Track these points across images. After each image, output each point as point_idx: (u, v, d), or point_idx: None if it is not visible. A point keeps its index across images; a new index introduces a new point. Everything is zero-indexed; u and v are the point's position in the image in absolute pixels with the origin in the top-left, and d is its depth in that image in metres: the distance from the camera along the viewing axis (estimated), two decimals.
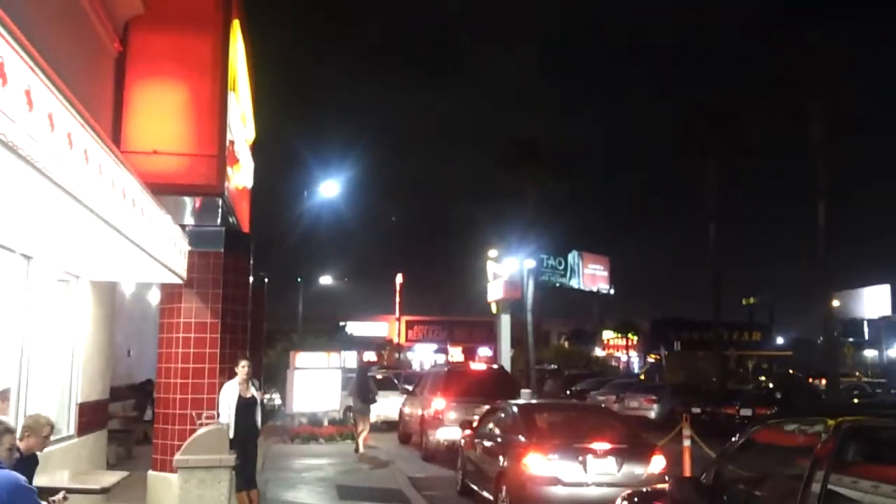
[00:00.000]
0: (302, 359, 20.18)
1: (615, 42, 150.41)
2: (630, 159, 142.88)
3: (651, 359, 63.11)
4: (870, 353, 70.38)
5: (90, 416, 9.45)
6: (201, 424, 8.90)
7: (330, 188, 29.63)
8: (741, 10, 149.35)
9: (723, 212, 38.81)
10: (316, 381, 19.64)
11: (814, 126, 30.78)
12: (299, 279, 36.86)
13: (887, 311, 58.80)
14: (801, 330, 76.95)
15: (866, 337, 69.81)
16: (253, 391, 9.44)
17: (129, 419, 15.81)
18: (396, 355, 62.33)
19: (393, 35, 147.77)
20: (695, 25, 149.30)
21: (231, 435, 8.63)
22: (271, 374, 22.52)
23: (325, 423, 19.72)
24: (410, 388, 21.43)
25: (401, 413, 20.03)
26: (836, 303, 34.92)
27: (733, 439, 5.06)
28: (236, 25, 10.04)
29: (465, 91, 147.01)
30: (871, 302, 58.89)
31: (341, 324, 51.34)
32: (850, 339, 63.15)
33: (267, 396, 20.76)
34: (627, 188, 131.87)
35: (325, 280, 48.01)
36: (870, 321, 64.21)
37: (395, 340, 65.55)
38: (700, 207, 39.51)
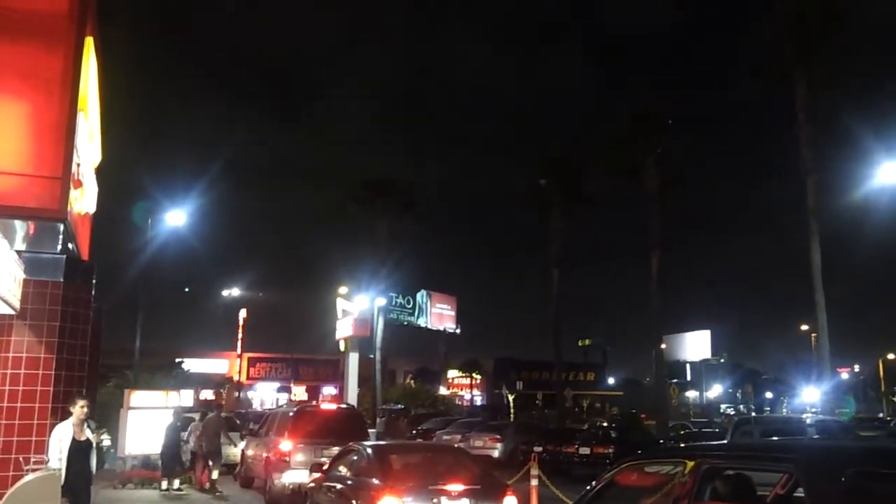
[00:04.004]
0: (138, 398, 18.97)
1: (469, 94, 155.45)
2: (480, 205, 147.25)
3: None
4: (691, 394, 75.67)
5: None
6: (29, 470, 8.09)
7: (175, 218, 28.45)
8: (587, 74, 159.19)
9: (564, 257, 40.79)
10: (152, 422, 18.48)
11: (648, 182, 33.09)
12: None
13: (707, 355, 63.81)
14: (629, 371, 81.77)
15: (688, 378, 75.13)
16: (88, 433, 8.73)
17: None
18: (236, 394, 59.89)
19: (244, 70, 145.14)
20: (543, 84, 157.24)
21: (62, 481, 7.92)
22: (103, 414, 20.98)
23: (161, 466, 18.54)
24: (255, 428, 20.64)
25: (243, 455, 19.21)
26: (662, 346, 37.33)
27: (593, 482, 5.21)
28: (90, 42, 9.45)
29: (321, 130, 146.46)
30: (693, 346, 63.69)
31: (178, 360, 48.71)
32: (674, 381, 67.66)
33: (102, 437, 19.28)
34: (476, 232, 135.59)
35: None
36: (691, 363, 69.33)
37: (236, 378, 63.06)
38: (544, 253, 41.33)
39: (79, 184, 9.67)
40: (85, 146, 9.87)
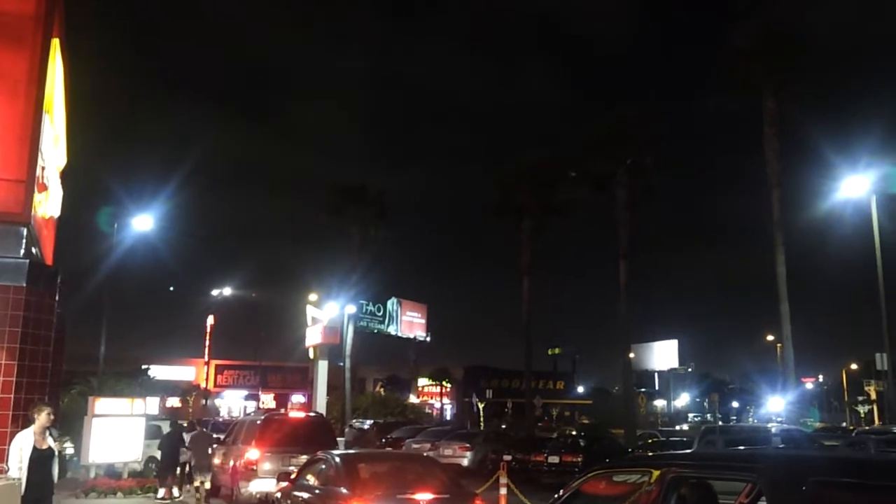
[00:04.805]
0: (102, 405, 18.64)
1: (443, 104, 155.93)
2: (451, 214, 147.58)
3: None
4: (659, 403, 76.31)
5: None
6: None
7: (142, 223, 28.17)
8: (558, 84, 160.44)
9: (535, 266, 40.95)
10: (117, 430, 18.19)
11: (618, 191, 33.35)
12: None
13: (674, 364, 64.36)
14: (598, 380, 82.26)
15: (656, 387, 75.75)
16: (50, 441, 8.56)
17: None
18: (203, 402, 59.18)
19: (215, 75, 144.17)
20: (518, 94, 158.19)
21: (23, 491, 7.75)
22: (66, 421, 20.61)
23: (125, 475, 18.30)
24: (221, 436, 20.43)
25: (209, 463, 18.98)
26: (631, 355, 37.58)
27: (561, 491, 5.22)
28: (56, 45, 9.33)
29: (293, 136, 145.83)
30: (661, 355, 64.20)
31: (144, 367, 48.01)
32: (643, 389, 68.21)
33: (65, 446, 18.98)
34: (448, 240, 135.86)
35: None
36: (659, 373, 69.90)
37: (203, 385, 62.32)
38: (515, 262, 41.45)
39: (43, 187, 9.53)
40: (50, 149, 9.73)
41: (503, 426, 50.44)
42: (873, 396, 66.10)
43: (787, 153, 28.36)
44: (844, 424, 57.39)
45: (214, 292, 55.74)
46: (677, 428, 46.72)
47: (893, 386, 27.54)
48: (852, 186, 24.54)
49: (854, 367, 73.64)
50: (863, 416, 69.17)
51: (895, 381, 27.29)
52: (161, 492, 16.83)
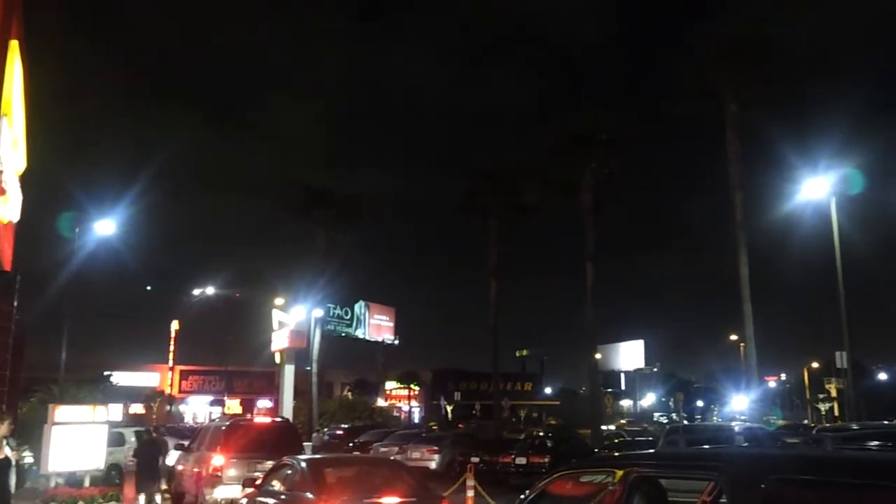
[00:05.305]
0: (63, 412, 18.25)
1: (412, 106, 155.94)
2: (418, 216, 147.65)
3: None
4: (626, 403, 77.04)
5: None
6: None
7: (104, 227, 27.75)
8: (528, 88, 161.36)
9: (503, 269, 41.08)
10: (78, 438, 17.83)
11: (583, 195, 33.60)
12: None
13: (640, 364, 65.07)
14: (566, 381, 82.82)
15: (623, 387, 76.50)
16: (7, 451, 8.39)
17: None
18: (168, 407, 58.44)
19: (180, 76, 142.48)
20: (480, 95, 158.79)
21: None
22: (25, 430, 20.17)
23: (87, 483, 17.95)
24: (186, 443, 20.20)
25: (173, 470, 18.74)
26: (597, 356, 37.88)
27: (527, 491, 5.25)
28: (14, 46, 9.15)
29: (258, 138, 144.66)
30: (627, 355, 64.88)
31: (106, 373, 47.15)
32: (609, 390, 68.84)
33: (23, 455, 18.56)
34: (416, 243, 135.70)
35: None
36: (626, 373, 70.61)
37: (168, 391, 61.49)
38: (482, 263, 41.55)
39: (1, 191, 9.34)
40: (8, 153, 9.53)
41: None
42: (834, 394, 67.38)
43: (749, 156, 28.93)
44: (806, 422, 58.45)
45: (196, 292, 54.90)
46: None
47: (853, 383, 28.14)
48: (813, 188, 25.00)
49: (815, 365, 74.97)
50: (824, 413, 70.50)
51: (854, 379, 27.88)
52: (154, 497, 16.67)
